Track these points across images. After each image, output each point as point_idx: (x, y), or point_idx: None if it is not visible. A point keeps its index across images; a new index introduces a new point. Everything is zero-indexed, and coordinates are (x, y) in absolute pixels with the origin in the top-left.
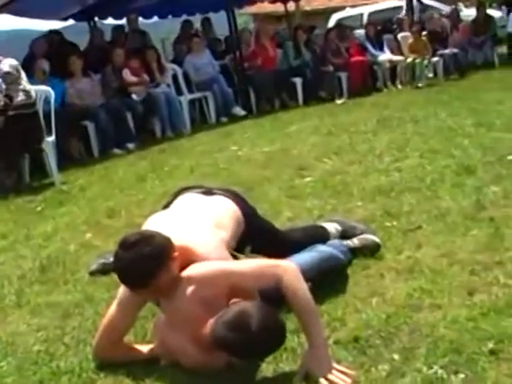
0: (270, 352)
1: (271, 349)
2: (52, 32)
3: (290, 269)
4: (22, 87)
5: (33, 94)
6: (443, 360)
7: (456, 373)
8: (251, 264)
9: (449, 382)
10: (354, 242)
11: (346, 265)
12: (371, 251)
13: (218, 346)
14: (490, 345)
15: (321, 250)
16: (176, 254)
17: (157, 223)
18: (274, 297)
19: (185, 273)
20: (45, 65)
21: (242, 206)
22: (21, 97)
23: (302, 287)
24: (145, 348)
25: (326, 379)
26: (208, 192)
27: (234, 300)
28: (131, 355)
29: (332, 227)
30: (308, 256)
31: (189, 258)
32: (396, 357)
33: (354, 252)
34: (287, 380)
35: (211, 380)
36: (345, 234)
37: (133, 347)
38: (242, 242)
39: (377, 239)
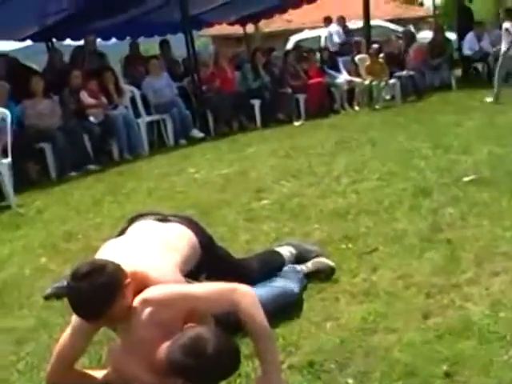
0: (224, 377)
1: (226, 374)
2: (7, 55)
3: (247, 294)
4: None
5: None
6: (398, 383)
7: None
8: (209, 288)
9: None
10: (308, 266)
11: (300, 295)
12: (326, 275)
13: (173, 370)
14: (445, 367)
15: (276, 286)
16: (128, 280)
17: (110, 250)
18: (230, 321)
19: (141, 296)
20: (7, 87)
21: (198, 233)
22: None
23: (258, 313)
24: (99, 373)
25: None
26: (163, 219)
27: (189, 324)
28: (84, 381)
29: (287, 251)
30: (263, 291)
31: (143, 283)
32: (351, 381)
33: (309, 276)
34: None
35: None
36: (299, 257)
37: (86, 373)
38: (197, 269)
39: (331, 263)
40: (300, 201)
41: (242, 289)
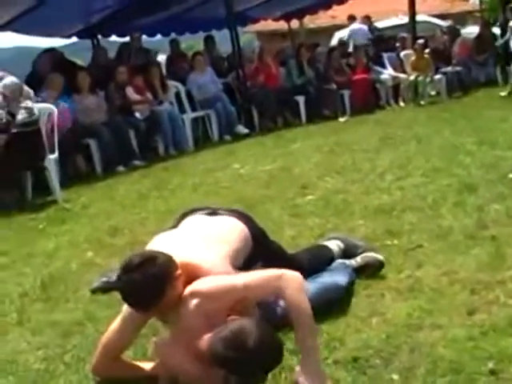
0: (266, 370)
1: (267, 367)
2: (54, 49)
3: (293, 279)
4: (23, 105)
5: (35, 111)
6: (443, 380)
7: None
8: (256, 276)
9: None
10: (358, 260)
11: (348, 290)
12: (374, 269)
13: (215, 362)
14: (490, 365)
15: (323, 281)
16: (179, 272)
17: (161, 242)
18: (277, 315)
19: (190, 287)
20: (62, 78)
21: (250, 226)
22: (22, 115)
23: (303, 299)
24: (145, 365)
25: None
26: (213, 213)
27: (232, 316)
28: (130, 372)
29: (335, 245)
30: (310, 286)
31: (194, 274)
32: (395, 377)
33: (358, 271)
34: None
35: None
36: (347, 252)
37: (132, 364)
38: (249, 262)
39: (380, 257)
40: (344, 197)
41: (288, 274)
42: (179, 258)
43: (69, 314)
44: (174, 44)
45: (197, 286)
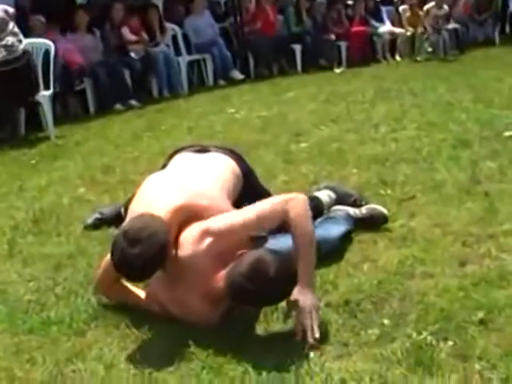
0: (285, 297)
1: (288, 293)
2: None
3: (298, 204)
4: (3, 43)
5: (19, 47)
6: (433, 327)
7: (445, 340)
8: (262, 207)
9: (438, 348)
10: (363, 211)
11: (342, 242)
12: (378, 223)
13: (236, 297)
14: (480, 314)
15: (317, 235)
16: (173, 234)
17: (154, 186)
18: None
19: (199, 227)
20: (41, 18)
21: (240, 164)
22: (1, 53)
23: (305, 222)
24: (142, 293)
25: (301, 323)
26: (203, 150)
27: (242, 251)
28: (129, 298)
29: (326, 195)
30: None
31: (194, 213)
32: (386, 322)
33: (360, 222)
34: (278, 339)
35: (203, 336)
36: (339, 201)
37: (131, 291)
38: (239, 199)
39: (385, 210)
40: (339, 146)
41: (293, 200)
42: (174, 202)
43: (60, 247)
44: None
45: (206, 225)
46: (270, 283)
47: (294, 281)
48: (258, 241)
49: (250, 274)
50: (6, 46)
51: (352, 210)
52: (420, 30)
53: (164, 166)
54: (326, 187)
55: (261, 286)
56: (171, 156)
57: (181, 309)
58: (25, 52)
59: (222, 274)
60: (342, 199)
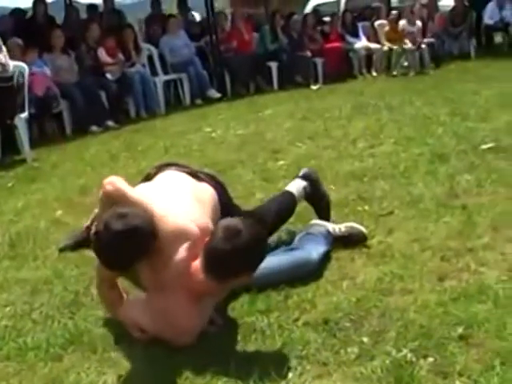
0: (262, 256)
1: (263, 251)
2: (20, 11)
3: None
4: None
5: (10, 68)
6: (413, 344)
7: (425, 357)
8: None
9: (418, 365)
10: (342, 229)
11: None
12: (357, 241)
13: (214, 263)
14: (460, 330)
15: (297, 255)
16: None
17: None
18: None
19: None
20: (18, 41)
21: (220, 194)
22: None
23: None
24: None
25: None
26: (194, 175)
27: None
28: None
29: (301, 188)
30: (283, 259)
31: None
32: (365, 340)
33: (338, 240)
34: (256, 360)
35: (180, 358)
36: (309, 197)
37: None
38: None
39: (363, 229)
40: (316, 162)
41: None
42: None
43: (37, 271)
44: (156, 4)
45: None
46: (245, 239)
47: (265, 239)
48: None
49: (224, 235)
50: (0, 64)
51: (331, 227)
52: (400, 45)
53: (149, 176)
54: (305, 177)
55: (236, 243)
56: (160, 168)
57: (163, 321)
58: (13, 73)
59: (198, 260)
60: (314, 196)
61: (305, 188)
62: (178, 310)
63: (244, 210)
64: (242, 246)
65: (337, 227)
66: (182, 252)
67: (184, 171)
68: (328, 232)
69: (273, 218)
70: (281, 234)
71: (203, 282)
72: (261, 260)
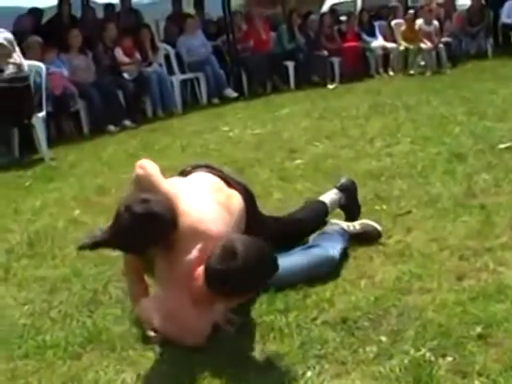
0: (262, 278)
1: (262, 275)
2: (38, 10)
3: None
4: (12, 60)
5: (25, 68)
6: (431, 343)
7: (444, 356)
8: None
9: (436, 364)
10: (356, 227)
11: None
12: (371, 238)
13: (211, 282)
14: (479, 329)
15: (316, 254)
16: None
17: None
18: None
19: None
20: (38, 39)
21: (249, 207)
22: (11, 70)
23: None
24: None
25: None
26: (226, 180)
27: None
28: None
29: (335, 199)
30: (305, 261)
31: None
32: (384, 339)
33: (354, 237)
34: (275, 359)
35: (199, 357)
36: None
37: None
38: None
39: (379, 226)
40: (333, 162)
41: None
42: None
43: (55, 270)
44: (177, 3)
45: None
46: (240, 261)
47: (267, 262)
48: None
49: (220, 254)
50: (15, 64)
51: (346, 225)
52: (416, 44)
53: (183, 172)
54: (343, 188)
55: (231, 265)
56: (195, 167)
57: (172, 321)
58: (29, 73)
59: (201, 269)
60: (347, 206)
61: (340, 199)
62: (184, 311)
63: (272, 217)
64: (237, 267)
65: (351, 225)
66: (194, 252)
67: (217, 175)
68: (343, 230)
69: (300, 227)
70: None
71: (203, 290)
72: (264, 279)
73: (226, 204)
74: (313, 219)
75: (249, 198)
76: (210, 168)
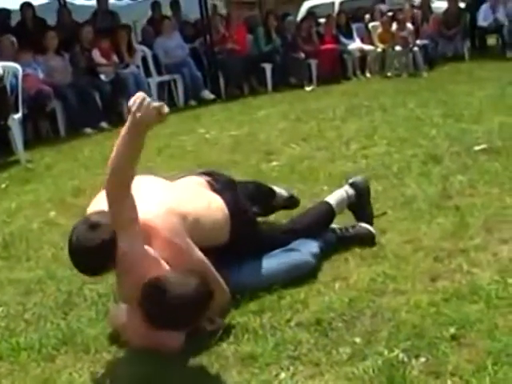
0: (191, 315)
1: (191, 310)
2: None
3: None
4: None
5: (0, 69)
6: (405, 344)
7: (417, 357)
8: None
9: (410, 365)
10: (349, 230)
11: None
12: (365, 242)
13: (157, 325)
14: (452, 330)
15: (294, 257)
16: None
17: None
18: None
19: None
20: (11, 38)
21: (230, 203)
22: None
23: None
24: None
25: None
26: (212, 184)
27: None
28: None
29: (343, 198)
30: (280, 260)
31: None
32: (358, 340)
33: (349, 240)
34: (249, 360)
35: (173, 359)
36: (352, 204)
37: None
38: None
39: (372, 229)
40: (309, 163)
41: None
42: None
43: (30, 272)
44: (156, 6)
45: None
46: (166, 298)
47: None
48: None
49: (149, 284)
50: None
51: (338, 229)
52: (392, 46)
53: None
54: (354, 186)
55: (156, 299)
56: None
57: (144, 340)
58: (4, 74)
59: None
60: (358, 204)
61: (349, 198)
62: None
63: (271, 234)
64: (159, 302)
65: (344, 228)
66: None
67: (206, 180)
68: (333, 234)
69: (304, 231)
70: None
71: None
72: (188, 322)
73: (206, 207)
74: (316, 223)
75: (236, 209)
76: (204, 174)
